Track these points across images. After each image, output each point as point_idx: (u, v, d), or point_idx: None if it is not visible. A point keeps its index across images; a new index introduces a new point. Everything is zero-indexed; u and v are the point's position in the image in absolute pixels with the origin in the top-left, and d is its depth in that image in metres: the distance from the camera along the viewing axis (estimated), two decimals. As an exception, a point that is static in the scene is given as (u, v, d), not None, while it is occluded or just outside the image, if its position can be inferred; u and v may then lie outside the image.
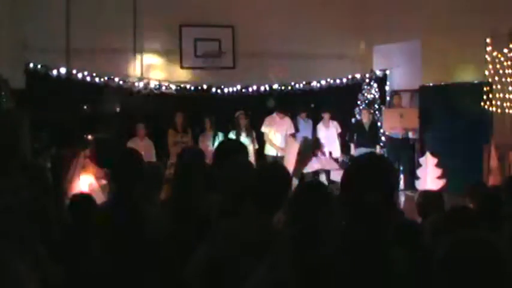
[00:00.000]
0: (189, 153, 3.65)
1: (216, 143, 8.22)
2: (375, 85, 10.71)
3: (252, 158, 9.01)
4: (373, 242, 1.79)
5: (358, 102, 10.70)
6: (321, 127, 10.19)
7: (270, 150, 9.73)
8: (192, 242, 2.68)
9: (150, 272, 2.70)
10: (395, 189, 1.91)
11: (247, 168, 2.89)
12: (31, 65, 9.43)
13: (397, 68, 10.84)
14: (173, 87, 10.33)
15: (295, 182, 8.12)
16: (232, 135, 9.36)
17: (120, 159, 3.04)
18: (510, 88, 8.73)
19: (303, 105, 10.35)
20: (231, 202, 2.70)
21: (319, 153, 9.10)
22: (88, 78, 9.79)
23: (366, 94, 10.68)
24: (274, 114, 9.83)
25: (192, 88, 10.42)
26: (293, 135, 9.82)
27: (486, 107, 8.97)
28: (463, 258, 1.70)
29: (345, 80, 11.07)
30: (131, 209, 2.79)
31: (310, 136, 10.19)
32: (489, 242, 1.74)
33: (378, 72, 10.96)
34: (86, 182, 7.10)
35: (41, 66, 9.48)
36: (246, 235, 2.37)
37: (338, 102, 10.78)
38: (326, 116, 10.15)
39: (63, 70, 9.58)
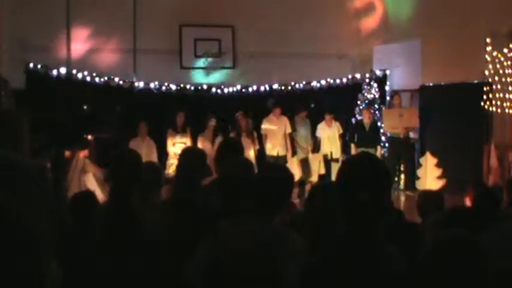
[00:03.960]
0: (190, 154, 3.65)
1: (216, 144, 8.23)
2: (375, 85, 10.69)
3: (252, 158, 9.01)
4: (363, 241, 1.81)
5: (358, 102, 10.69)
6: (323, 127, 10.15)
7: (270, 150, 9.72)
8: (192, 243, 2.68)
9: (148, 273, 2.69)
10: (387, 189, 1.92)
11: (247, 168, 2.89)
12: (31, 65, 9.43)
13: (397, 68, 10.83)
14: (173, 87, 10.32)
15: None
16: (232, 135, 9.34)
17: (116, 159, 3.02)
18: (510, 88, 8.74)
19: (303, 105, 10.33)
20: (231, 202, 2.70)
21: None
22: (88, 78, 9.79)
23: (366, 94, 10.66)
24: (272, 114, 9.84)
25: (192, 88, 10.41)
26: (290, 135, 9.81)
27: (486, 107, 8.97)
28: (441, 257, 1.74)
29: (345, 80, 11.06)
30: (127, 209, 2.78)
31: (309, 136, 10.17)
32: (468, 240, 1.78)
33: (378, 72, 10.94)
34: (86, 182, 7.09)
35: (41, 66, 9.48)
36: (246, 235, 2.37)
37: (338, 102, 10.76)
38: (328, 117, 10.08)
39: (63, 70, 9.58)
